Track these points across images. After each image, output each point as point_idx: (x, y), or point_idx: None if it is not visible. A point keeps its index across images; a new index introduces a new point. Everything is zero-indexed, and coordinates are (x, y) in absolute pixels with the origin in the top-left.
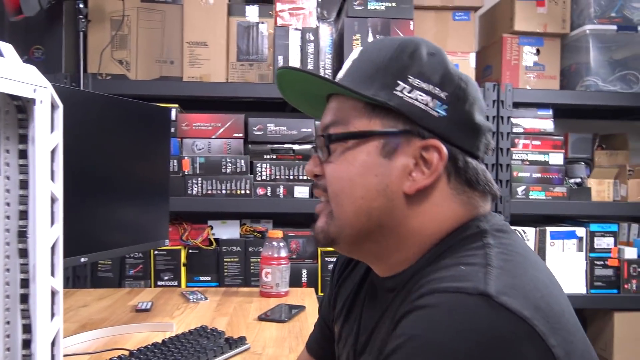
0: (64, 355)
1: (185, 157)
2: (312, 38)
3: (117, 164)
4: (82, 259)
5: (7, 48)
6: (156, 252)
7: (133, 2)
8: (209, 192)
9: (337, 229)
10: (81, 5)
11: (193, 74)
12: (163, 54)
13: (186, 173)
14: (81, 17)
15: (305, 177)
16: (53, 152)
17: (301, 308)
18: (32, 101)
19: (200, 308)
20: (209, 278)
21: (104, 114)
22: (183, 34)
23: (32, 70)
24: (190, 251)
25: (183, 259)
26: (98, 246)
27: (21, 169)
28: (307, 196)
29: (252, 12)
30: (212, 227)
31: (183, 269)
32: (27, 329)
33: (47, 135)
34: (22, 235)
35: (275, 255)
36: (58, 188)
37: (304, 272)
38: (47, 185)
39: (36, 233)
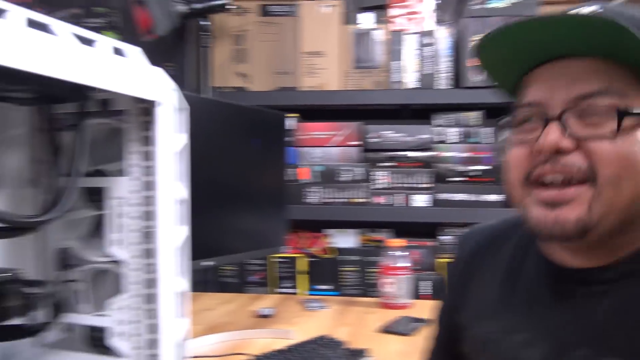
0: (192, 357)
1: (303, 166)
2: (428, 42)
3: (236, 170)
4: (203, 263)
5: (134, 51)
6: (276, 260)
7: (252, 17)
8: (326, 200)
9: (601, 217)
10: (206, 23)
11: (310, 84)
12: (280, 66)
13: (303, 181)
14: (205, 33)
15: (424, 185)
16: (179, 154)
17: (425, 321)
18: (157, 103)
19: (320, 316)
20: (328, 287)
21: (223, 120)
22: (299, 44)
23: (157, 72)
24: (309, 259)
25: (302, 267)
26: (218, 251)
27: (146, 170)
28: (427, 204)
29: (366, 19)
30: (330, 236)
31: (302, 277)
32: (153, 329)
33: (172, 137)
34: (149, 235)
35: (396, 264)
36: (185, 190)
37: (425, 283)
38: (173, 186)
39: (162, 234)
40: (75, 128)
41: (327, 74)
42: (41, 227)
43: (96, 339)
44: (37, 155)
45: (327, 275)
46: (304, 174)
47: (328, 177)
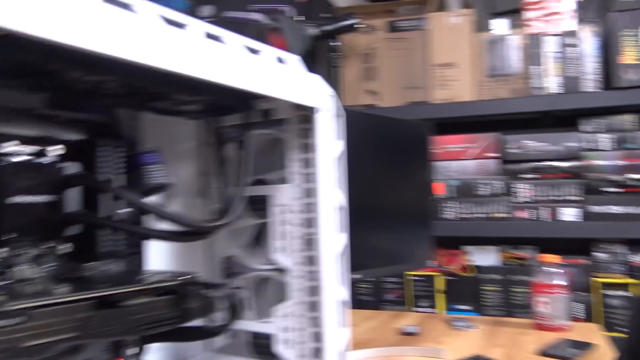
0: None
1: (437, 180)
2: (571, 42)
3: (380, 182)
4: (355, 276)
5: (291, 58)
6: (413, 278)
7: (380, 34)
8: (465, 215)
9: None
10: (336, 43)
11: (442, 96)
12: (410, 81)
13: (439, 197)
14: (335, 54)
15: (573, 198)
16: (336, 161)
17: (589, 345)
18: (317, 110)
19: (469, 336)
20: (468, 307)
21: (365, 131)
22: (429, 57)
23: (316, 78)
24: (447, 278)
25: (439, 286)
26: (364, 264)
27: (307, 177)
28: (577, 218)
29: (498, 25)
30: (468, 253)
31: (440, 296)
32: (317, 337)
33: (331, 143)
34: (311, 242)
35: (552, 282)
36: (343, 197)
37: (578, 305)
38: (332, 193)
39: (325, 240)
40: (239, 140)
41: (460, 85)
42: (216, 232)
43: (260, 345)
44: (204, 168)
45: (467, 294)
46: (438, 189)
47: (465, 191)
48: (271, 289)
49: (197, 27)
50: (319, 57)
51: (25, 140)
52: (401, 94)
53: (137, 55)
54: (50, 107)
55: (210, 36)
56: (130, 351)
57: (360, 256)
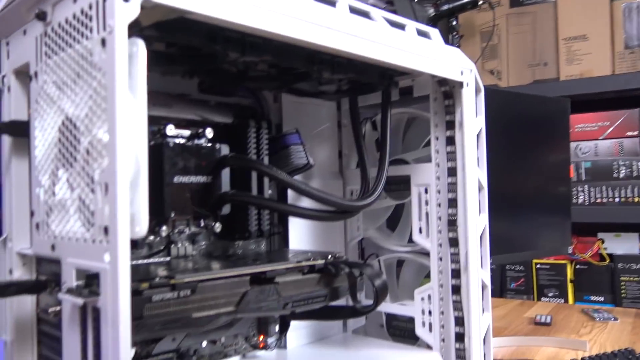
0: None
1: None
2: None
3: (517, 162)
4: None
5: (434, 32)
6: (538, 266)
7: (502, 10)
8: (598, 200)
9: None
10: (454, 22)
11: (571, 72)
12: (535, 57)
13: (570, 180)
14: (454, 33)
15: None
16: (477, 138)
17: None
18: (458, 84)
19: (610, 329)
20: (601, 298)
21: (501, 109)
22: (557, 31)
23: (456, 52)
24: (577, 266)
25: (569, 275)
26: (498, 249)
27: (449, 155)
28: None
29: None
30: (603, 241)
31: (570, 286)
32: (459, 321)
33: (473, 119)
34: (452, 223)
35: None
36: (483, 175)
37: None
38: (475, 172)
39: (467, 221)
40: (378, 120)
41: (592, 59)
42: (359, 211)
43: (396, 328)
44: (342, 149)
45: (600, 284)
46: (571, 171)
47: (599, 173)
48: (408, 271)
49: (343, 3)
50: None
51: (180, 124)
52: (525, 72)
53: (292, 31)
54: (204, 92)
55: (354, 11)
56: (275, 328)
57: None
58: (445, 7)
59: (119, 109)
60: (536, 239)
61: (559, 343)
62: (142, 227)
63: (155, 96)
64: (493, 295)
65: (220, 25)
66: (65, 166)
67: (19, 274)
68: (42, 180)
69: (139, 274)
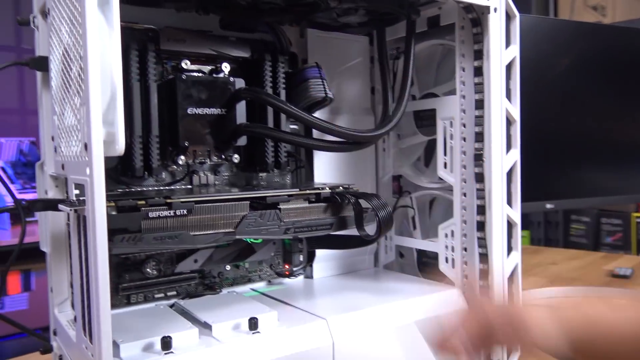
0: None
1: None
2: None
3: (593, 105)
4: (548, 205)
5: None
6: (639, 220)
7: None
8: None
9: None
10: None
11: None
12: None
13: None
14: None
15: None
16: (509, 68)
17: None
18: (485, 10)
19: None
20: None
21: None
22: None
23: None
24: None
25: None
26: (567, 194)
27: (476, 87)
28: None
29: None
30: None
31: None
32: (483, 259)
33: (502, 48)
34: (478, 158)
35: None
36: (515, 109)
37: None
38: (503, 104)
39: (492, 157)
40: (404, 53)
41: None
42: (373, 142)
43: (426, 264)
44: (372, 84)
45: None
46: None
47: None
48: (438, 209)
49: None
50: None
51: (200, 59)
52: (633, 6)
53: None
54: (224, 29)
55: None
56: (299, 257)
57: (563, 186)
58: None
59: (90, 34)
60: (610, 184)
61: (631, 295)
62: (120, 145)
63: (170, 31)
64: (585, 248)
65: None
66: (66, 93)
67: (52, 194)
68: (56, 108)
69: (145, 196)
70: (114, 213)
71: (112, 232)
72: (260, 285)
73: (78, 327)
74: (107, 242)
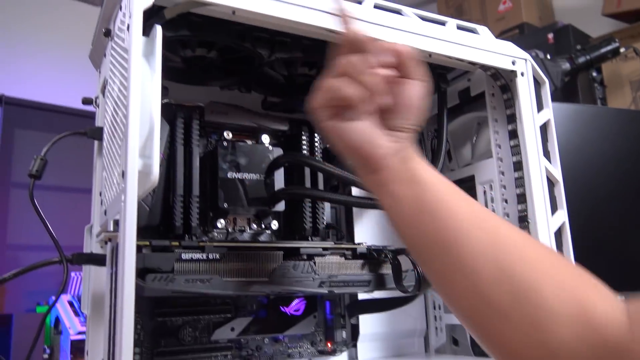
0: None
1: None
2: None
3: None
4: None
5: (483, 30)
6: None
7: None
8: None
9: None
10: (594, 74)
11: None
12: None
13: None
14: (597, 85)
15: None
16: (544, 130)
17: None
18: (513, 75)
19: None
20: None
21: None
22: None
23: (508, 44)
24: None
25: None
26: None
27: (513, 149)
28: None
29: None
30: None
31: None
32: None
33: (535, 112)
34: (523, 220)
35: None
36: (555, 170)
37: None
38: (542, 164)
39: (536, 217)
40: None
41: None
42: None
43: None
44: None
45: None
46: None
47: None
48: None
49: (369, 3)
50: (581, 92)
51: (240, 131)
52: None
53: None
54: (267, 109)
55: (380, 7)
56: (342, 334)
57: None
58: (581, 59)
59: (133, 77)
60: None
61: None
62: (154, 175)
63: (214, 105)
64: None
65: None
66: (112, 141)
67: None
68: (105, 163)
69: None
70: (147, 252)
71: (145, 271)
72: None
73: None
74: (134, 270)
